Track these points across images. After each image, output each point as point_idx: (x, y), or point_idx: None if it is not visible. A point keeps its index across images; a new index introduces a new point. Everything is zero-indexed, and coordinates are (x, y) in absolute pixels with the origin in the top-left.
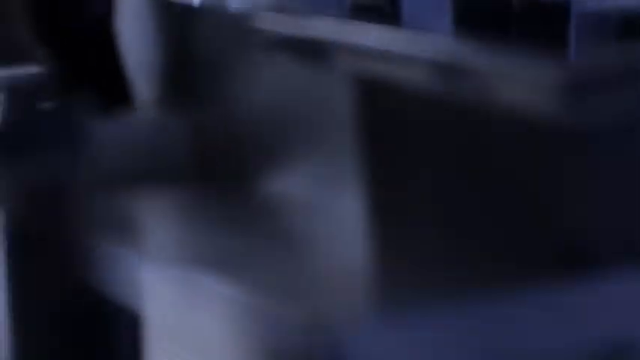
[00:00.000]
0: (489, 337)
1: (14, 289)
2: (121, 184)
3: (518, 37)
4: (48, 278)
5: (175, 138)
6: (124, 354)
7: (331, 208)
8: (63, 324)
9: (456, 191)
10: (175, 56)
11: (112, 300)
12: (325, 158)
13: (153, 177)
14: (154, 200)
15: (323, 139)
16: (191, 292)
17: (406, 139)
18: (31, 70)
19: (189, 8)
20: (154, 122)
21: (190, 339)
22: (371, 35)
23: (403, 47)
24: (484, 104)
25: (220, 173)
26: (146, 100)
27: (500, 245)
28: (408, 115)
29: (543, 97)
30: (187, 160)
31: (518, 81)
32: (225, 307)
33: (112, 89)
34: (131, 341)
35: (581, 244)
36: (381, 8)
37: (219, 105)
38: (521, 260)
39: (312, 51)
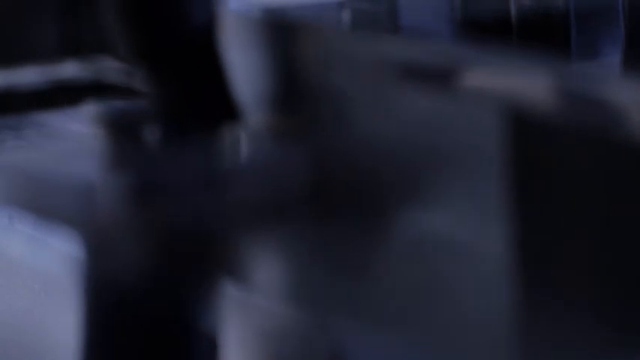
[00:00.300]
0: None
1: (89, 318)
2: (243, 218)
3: (518, 45)
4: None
5: (295, 169)
6: None
7: (470, 249)
8: (149, 352)
9: (607, 234)
10: (289, 80)
11: (198, 329)
12: (465, 194)
13: (273, 210)
14: (272, 235)
15: (464, 174)
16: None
17: (555, 176)
18: (133, 99)
19: (301, 25)
20: (272, 153)
21: None
22: (501, 60)
23: (542, 77)
24: (627, 135)
25: (343, 208)
26: (261, 127)
27: None
28: (559, 151)
29: None
30: (307, 193)
31: None
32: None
33: (219, 105)
34: None
35: None
36: (380, 13)
37: (341, 134)
38: None
39: (445, 79)
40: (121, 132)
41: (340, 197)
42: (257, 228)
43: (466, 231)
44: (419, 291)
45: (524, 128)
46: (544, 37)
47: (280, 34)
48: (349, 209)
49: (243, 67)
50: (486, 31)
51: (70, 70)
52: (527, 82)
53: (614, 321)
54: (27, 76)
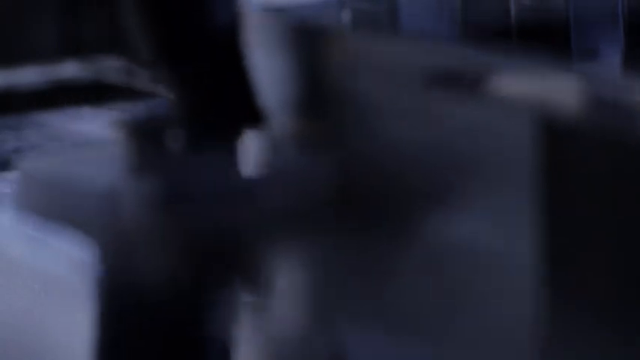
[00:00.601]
0: None
1: (103, 326)
2: (267, 225)
3: (518, 46)
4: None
5: (320, 174)
6: None
7: (498, 256)
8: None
9: (636, 240)
10: (315, 84)
11: (216, 336)
12: (491, 200)
13: (297, 217)
14: (297, 242)
15: (491, 180)
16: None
17: (587, 184)
18: (153, 102)
19: (326, 29)
20: (297, 158)
21: None
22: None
23: (568, 81)
24: None
25: (369, 215)
26: (286, 132)
27: None
28: (590, 158)
29: None
30: (332, 199)
31: None
32: None
33: (242, 108)
34: None
35: None
36: (380, 13)
37: (367, 140)
38: None
39: (472, 84)
40: (143, 136)
41: (366, 204)
42: (281, 235)
43: (493, 238)
44: (443, 299)
45: (553, 133)
46: (544, 38)
47: (304, 37)
48: (375, 216)
49: (267, 70)
50: (486, 31)
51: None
52: (553, 86)
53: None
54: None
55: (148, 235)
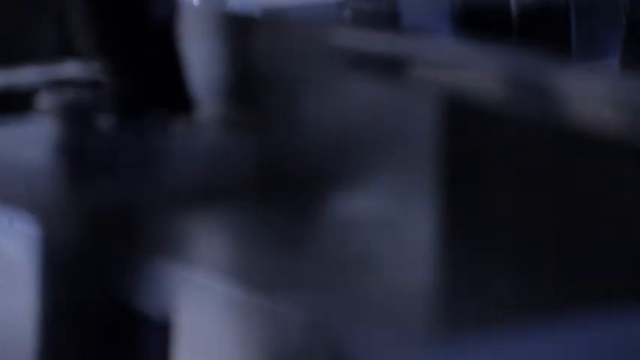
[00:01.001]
0: None
1: (45, 301)
2: (182, 200)
3: (519, 40)
4: (82, 291)
5: (241, 155)
6: None
7: (401, 228)
8: (92, 335)
9: (530, 213)
10: (242, 71)
11: (143, 311)
12: (398, 177)
13: (215, 194)
14: (212, 216)
15: (397, 158)
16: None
17: (483, 158)
18: (88, 87)
19: (254, 19)
20: (218, 139)
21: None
22: (449, 50)
23: (482, 62)
24: (563, 122)
25: (286, 191)
26: (212, 116)
27: (574, 270)
28: (487, 134)
29: (621, 115)
30: (252, 178)
31: (597, 100)
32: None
33: (174, 97)
34: (161, 354)
35: None
36: (381, 13)
37: (288, 122)
38: (595, 286)
39: (389, 68)
40: (75, 119)
41: (284, 181)
42: (202, 211)
43: (400, 210)
44: (350, 264)
45: (458, 115)
46: (545, 34)
47: (236, 28)
48: (291, 192)
49: (200, 60)
50: (486, 28)
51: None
52: (471, 71)
53: (532, 295)
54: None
55: (70, 210)
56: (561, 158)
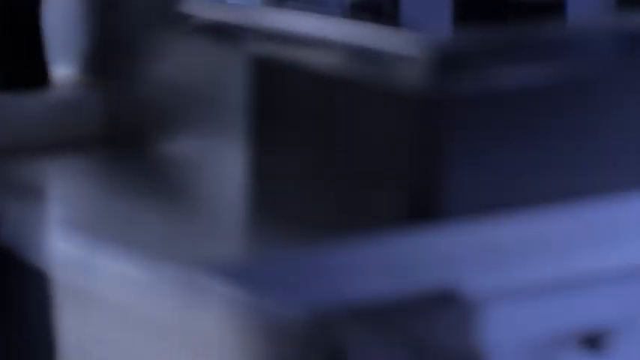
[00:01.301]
0: (326, 280)
1: None
2: (31, 154)
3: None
4: None
5: (89, 112)
6: (32, 312)
7: (218, 170)
8: None
9: (319, 156)
10: (97, 37)
11: (20, 259)
12: (216, 128)
13: (64, 148)
14: (60, 168)
15: (216, 112)
16: (92, 254)
17: (285, 112)
18: None
19: None
20: (69, 98)
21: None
22: (283, 20)
23: (308, 30)
24: (354, 78)
25: (128, 143)
26: (67, 78)
27: (354, 200)
28: (291, 90)
29: (411, 69)
30: (99, 133)
31: (389, 56)
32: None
33: (29, 68)
34: (40, 300)
35: (426, 198)
36: (381, 6)
37: (133, 82)
38: (371, 214)
39: (226, 35)
40: None
41: (129, 137)
42: (54, 163)
43: (213, 155)
44: (169, 206)
45: (267, 72)
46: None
47: None
48: (136, 147)
49: (59, 23)
50: (483, 15)
51: None
52: (293, 38)
53: (323, 222)
54: None
55: None
56: (343, 104)
